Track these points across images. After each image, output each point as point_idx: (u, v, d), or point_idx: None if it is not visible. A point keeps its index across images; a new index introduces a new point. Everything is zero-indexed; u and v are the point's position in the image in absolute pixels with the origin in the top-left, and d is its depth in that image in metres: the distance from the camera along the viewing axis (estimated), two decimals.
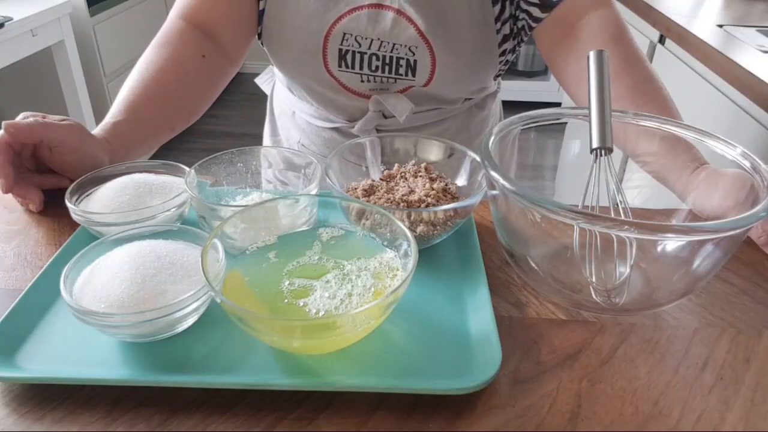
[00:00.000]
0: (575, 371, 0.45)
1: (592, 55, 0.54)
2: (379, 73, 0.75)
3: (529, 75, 3.16)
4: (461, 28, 0.73)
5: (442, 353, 0.45)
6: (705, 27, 1.35)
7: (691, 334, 0.49)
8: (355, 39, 0.73)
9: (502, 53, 0.77)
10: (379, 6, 0.72)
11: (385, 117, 0.81)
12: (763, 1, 1.60)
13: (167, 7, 2.57)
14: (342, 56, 0.74)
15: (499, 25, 0.74)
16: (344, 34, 0.73)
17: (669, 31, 1.43)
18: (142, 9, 2.41)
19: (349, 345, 0.44)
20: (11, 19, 1.63)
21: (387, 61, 0.74)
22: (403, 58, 0.74)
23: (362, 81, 0.76)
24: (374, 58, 0.74)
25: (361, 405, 0.42)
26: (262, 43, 0.79)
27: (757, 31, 1.33)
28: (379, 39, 0.73)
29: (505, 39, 0.75)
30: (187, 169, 0.60)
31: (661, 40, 1.53)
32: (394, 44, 0.73)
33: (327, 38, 0.73)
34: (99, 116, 2.10)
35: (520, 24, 0.75)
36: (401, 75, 0.75)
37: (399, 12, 0.71)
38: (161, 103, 0.72)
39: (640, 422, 0.41)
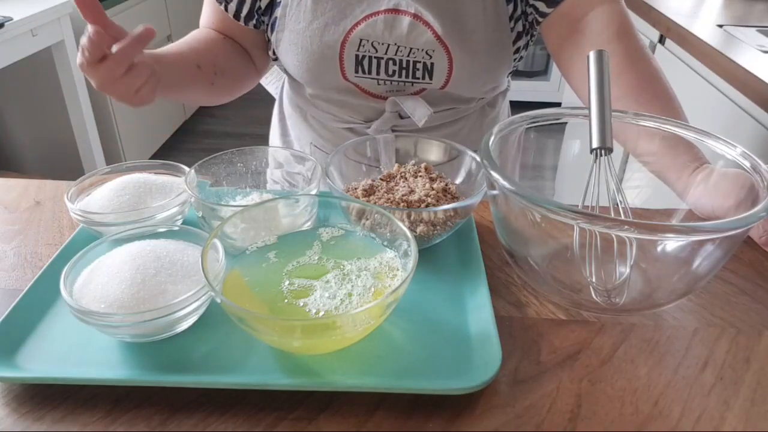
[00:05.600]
0: (575, 371, 0.45)
1: (591, 55, 0.54)
2: (396, 77, 0.75)
3: (529, 75, 3.16)
4: (477, 29, 0.72)
5: (442, 353, 0.45)
6: (705, 27, 1.35)
7: (691, 334, 0.49)
8: (372, 44, 0.72)
9: (516, 51, 0.77)
10: (396, 11, 0.71)
11: (402, 117, 0.80)
12: (763, 1, 1.61)
13: (167, 7, 2.57)
14: (359, 62, 0.74)
15: (512, 23, 0.74)
16: (361, 40, 0.72)
17: (669, 31, 1.43)
18: (142, 9, 2.40)
19: (349, 345, 0.44)
20: (11, 19, 1.63)
21: (404, 65, 0.74)
22: (420, 62, 0.73)
23: (378, 84, 0.76)
24: (391, 62, 0.74)
25: (361, 405, 0.42)
26: (274, 52, 0.79)
27: (757, 31, 1.33)
28: (395, 44, 0.72)
29: (518, 37, 0.75)
30: (187, 169, 0.60)
31: (661, 40, 1.53)
32: (411, 48, 0.72)
33: (344, 45, 0.72)
34: (99, 116, 2.10)
35: (530, 19, 0.75)
36: (418, 78, 0.75)
37: (416, 16, 0.71)
38: (187, 48, 0.75)
39: (640, 422, 0.41)
